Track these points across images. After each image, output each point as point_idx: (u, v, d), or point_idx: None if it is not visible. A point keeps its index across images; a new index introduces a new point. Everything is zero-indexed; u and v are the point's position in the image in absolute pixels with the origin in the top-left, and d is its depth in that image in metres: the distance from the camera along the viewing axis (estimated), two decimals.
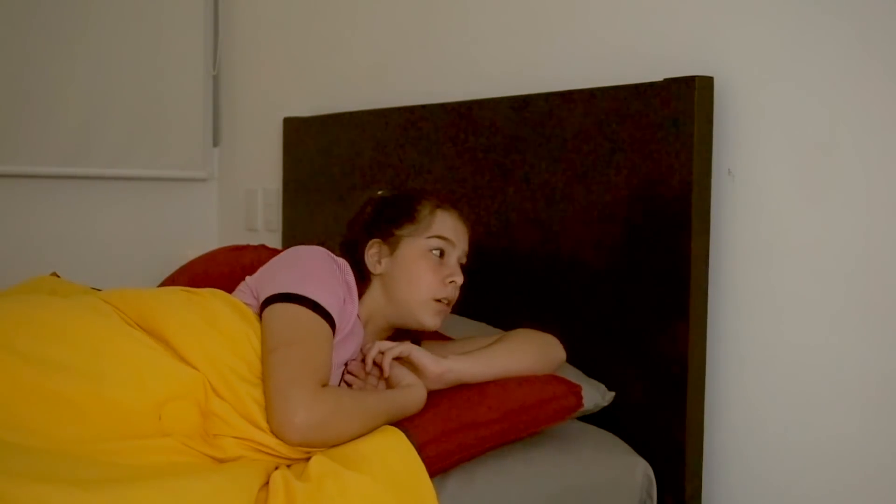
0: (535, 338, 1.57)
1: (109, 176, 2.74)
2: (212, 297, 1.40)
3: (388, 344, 1.46)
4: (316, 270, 1.42)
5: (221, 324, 1.34)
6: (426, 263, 1.52)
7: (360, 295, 1.51)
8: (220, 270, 1.97)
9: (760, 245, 1.58)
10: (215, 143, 2.95)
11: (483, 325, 1.85)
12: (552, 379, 1.51)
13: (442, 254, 1.53)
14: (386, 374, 1.43)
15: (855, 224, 1.47)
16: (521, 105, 1.87)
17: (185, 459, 1.22)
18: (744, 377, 1.61)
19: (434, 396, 1.43)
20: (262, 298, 1.39)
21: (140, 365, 1.26)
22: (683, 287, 1.58)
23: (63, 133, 2.65)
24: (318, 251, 1.47)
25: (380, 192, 1.64)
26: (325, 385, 1.30)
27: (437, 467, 1.30)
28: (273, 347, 1.31)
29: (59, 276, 1.73)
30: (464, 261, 1.58)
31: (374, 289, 1.54)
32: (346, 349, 1.45)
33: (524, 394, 1.45)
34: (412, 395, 1.39)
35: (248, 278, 1.50)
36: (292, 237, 2.53)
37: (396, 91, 2.28)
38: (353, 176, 2.30)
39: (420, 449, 1.27)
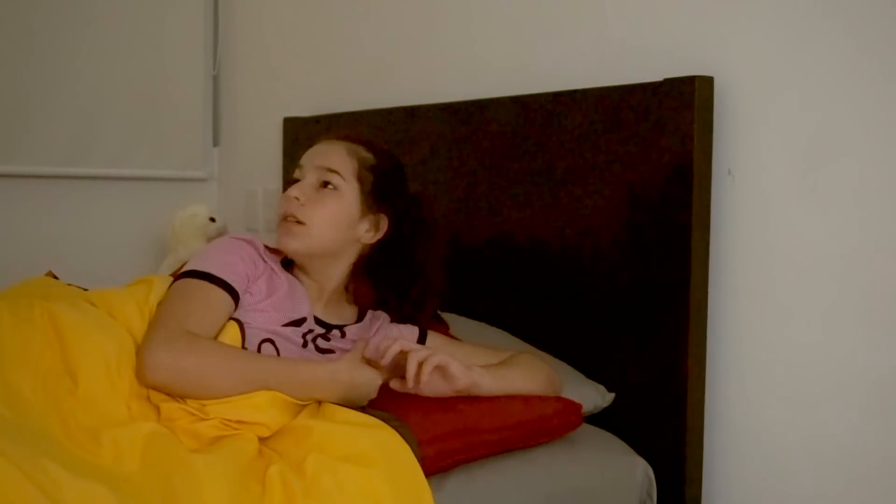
0: (545, 367, 1.57)
1: (109, 176, 2.74)
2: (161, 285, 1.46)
3: (424, 352, 1.41)
4: (210, 252, 1.48)
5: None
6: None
7: None
8: None
9: (760, 245, 1.58)
10: (215, 143, 2.95)
11: (483, 324, 1.85)
12: (556, 397, 1.53)
13: (297, 181, 1.54)
14: (424, 378, 1.39)
15: (854, 223, 1.47)
16: (522, 105, 1.87)
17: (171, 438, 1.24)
18: (744, 377, 1.61)
19: (440, 398, 1.43)
20: None
21: (109, 362, 1.30)
22: (683, 287, 1.58)
23: (63, 133, 2.65)
24: (221, 238, 1.54)
25: None
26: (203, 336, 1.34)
27: (436, 466, 1.31)
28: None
29: (54, 276, 1.73)
30: (326, 177, 1.51)
31: None
32: (287, 307, 1.47)
33: (529, 407, 1.47)
34: (322, 373, 1.36)
35: None
36: None
37: (396, 91, 2.28)
38: None
39: (418, 446, 1.27)
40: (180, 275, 1.44)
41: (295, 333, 1.46)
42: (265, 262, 1.50)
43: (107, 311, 1.39)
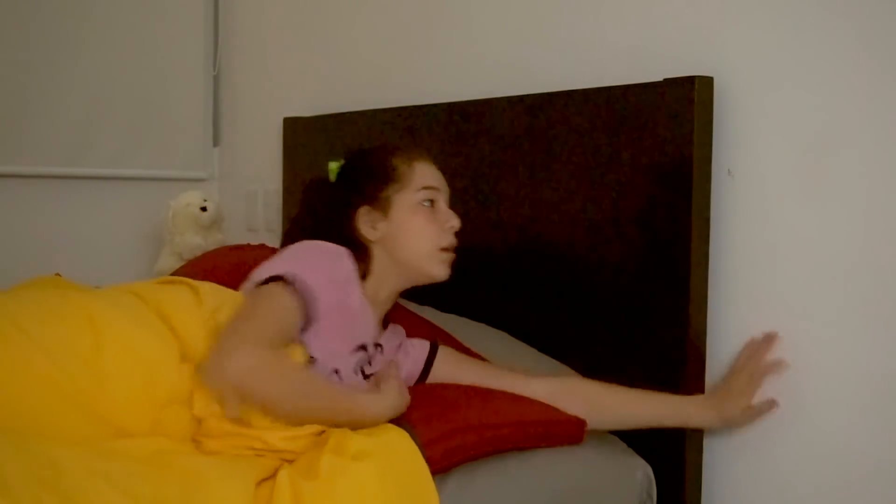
0: None
1: (109, 176, 2.74)
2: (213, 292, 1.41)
3: None
4: (299, 255, 1.42)
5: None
6: (423, 216, 1.51)
7: (364, 272, 1.49)
8: (221, 270, 1.96)
9: (760, 245, 1.58)
10: (215, 143, 2.95)
11: (483, 325, 1.85)
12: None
13: (432, 203, 1.52)
14: None
15: (854, 223, 1.47)
16: (521, 105, 1.87)
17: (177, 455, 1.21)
18: None
19: (445, 395, 1.43)
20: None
21: (150, 363, 1.25)
22: (683, 287, 1.58)
23: (63, 133, 2.65)
24: (312, 242, 1.46)
25: (333, 164, 1.59)
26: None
27: (438, 467, 1.31)
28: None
29: (61, 277, 1.73)
30: (448, 204, 1.56)
31: (377, 258, 1.50)
32: (357, 331, 1.44)
33: (535, 409, 1.47)
34: (373, 407, 1.33)
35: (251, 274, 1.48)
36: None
37: (397, 91, 2.28)
38: None
39: (423, 448, 1.27)
40: (272, 277, 1.36)
41: (351, 361, 1.44)
42: (351, 281, 1.44)
43: (156, 311, 1.32)
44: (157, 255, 2.67)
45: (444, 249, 1.51)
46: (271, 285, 1.35)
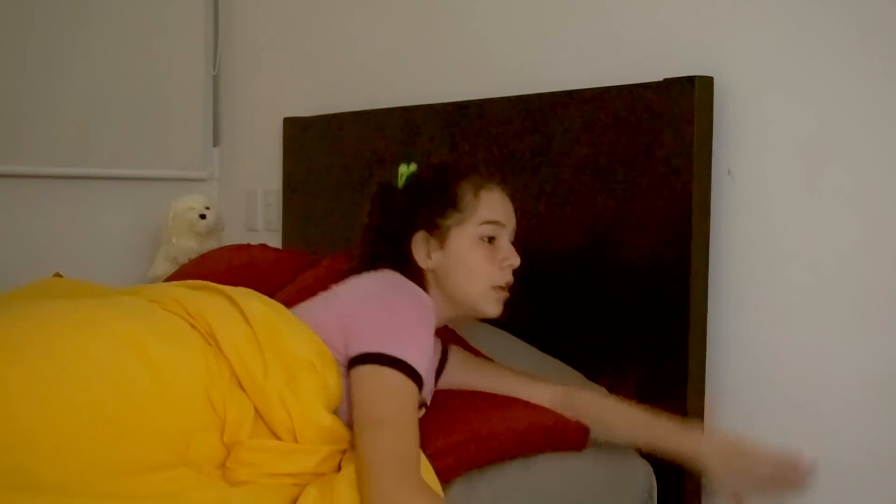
0: None
1: (109, 176, 2.74)
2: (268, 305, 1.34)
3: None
4: (409, 319, 1.32)
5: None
6: (481, 252, 1.41)
7: None
8: (222, 270, 1.97)
9: (760, 245, 1.58)
10: (215, 143, 2.95)
11: (485, 324, 1.85)
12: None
13: (492, 238, 1.43)
14: None
15: (854, 223, 1.47)
16: (521, 105, 1.87)
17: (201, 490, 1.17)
18: (743, 377, 1.61)
19: (449, 405, 1.43)
20: (352, 353, 1.28)
21: (183, 388, 1.18)
22: (683, 287, 1.58)
23: (63, 133, 2.65)
24: (413, 294, 1.37)
25: (404, 167, 1.51)
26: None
27: (444, 477, 1.31)
28: (363, 425, 1.22)
29: (62, 277, 1.73)
30: (512, 238, 1.46)
31: (429, 286, 1.43)
32: (428, 389, 1.40)
33: (539, 415, 1.46)
34: None
35: (330, 297, 1.40)
36: (292, 237, 2.53)
37: (397, 91, 2.28)
38: (354, 176, 2.30)
39: (430, 458, 1.28)
40: (379, 357, 1.25)
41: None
42: (432, 333, 1.36)
43: (205, 329, 1.25)
44: (151, 260, 2.67)
45: (498, 288, 1.43)
46: (391, 376, 1.24)
